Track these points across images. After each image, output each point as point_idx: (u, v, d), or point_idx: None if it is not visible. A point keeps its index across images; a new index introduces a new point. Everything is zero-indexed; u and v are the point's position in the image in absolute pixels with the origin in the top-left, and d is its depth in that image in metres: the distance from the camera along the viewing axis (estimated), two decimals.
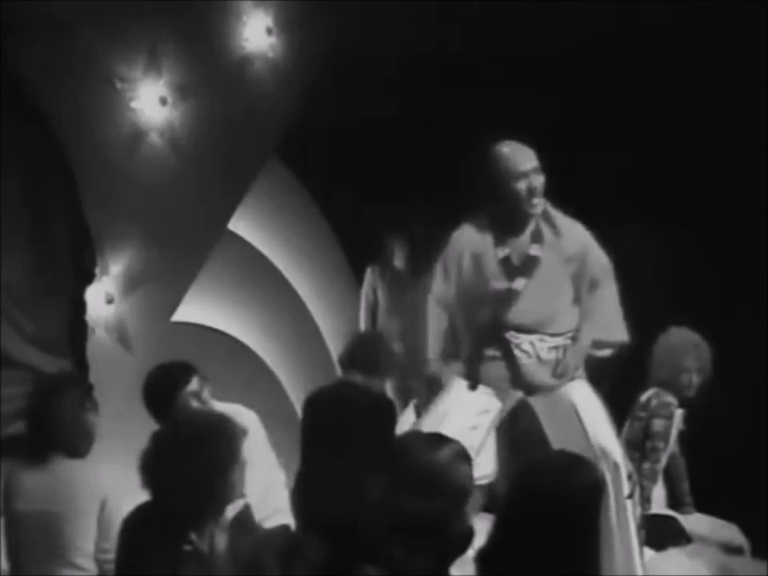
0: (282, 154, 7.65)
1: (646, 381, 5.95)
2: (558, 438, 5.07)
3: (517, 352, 5.11)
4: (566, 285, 5.17)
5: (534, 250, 5.12)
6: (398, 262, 7.84)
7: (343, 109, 7.30)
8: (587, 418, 5.07)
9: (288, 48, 7.24)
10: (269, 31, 7.19)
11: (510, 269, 5.12)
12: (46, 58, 6.42)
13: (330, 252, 8.28)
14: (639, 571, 4.92)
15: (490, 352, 5.16)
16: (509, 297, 5.09)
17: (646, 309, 6.80)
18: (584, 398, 5.13)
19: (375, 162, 7.53)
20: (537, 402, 5.20)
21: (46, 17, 6.34)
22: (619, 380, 6.25)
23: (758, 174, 6.93)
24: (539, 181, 5.06)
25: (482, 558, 3.23)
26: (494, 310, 5.10)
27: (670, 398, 5.81)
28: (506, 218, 5.14)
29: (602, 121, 7.02)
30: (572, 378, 5.15)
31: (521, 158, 5.06)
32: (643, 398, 5.89)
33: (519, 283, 5.10)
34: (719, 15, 6.70)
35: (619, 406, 5.91)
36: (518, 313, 5.09)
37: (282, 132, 7.37)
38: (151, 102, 6.81)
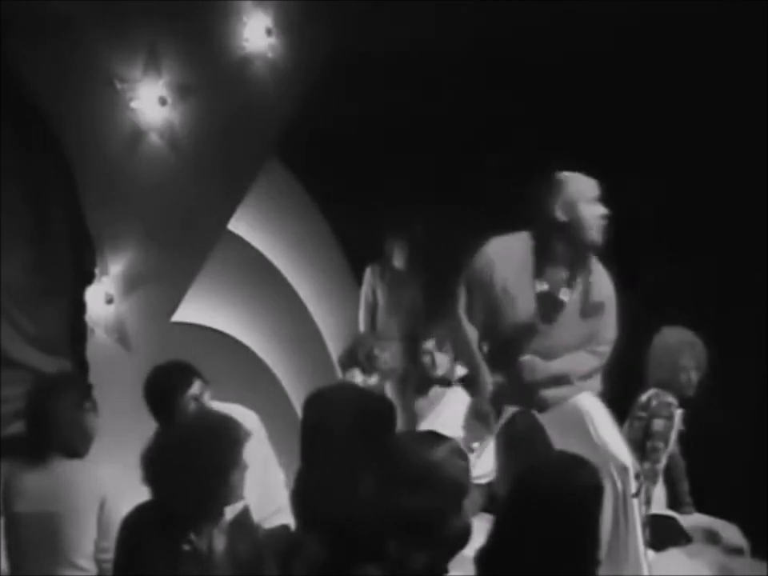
0: (281, 154, 7.66)
1: (644, 381, 5.96)
2: (566, 445, 5.02)
3: (527, 377, 5.09)
4: (583, 338, 5.12)
5: (563, 295, 5.05)
6: (398, 262, 7.84)
7: (343, 109, 7.30)
8: (595, 424, 5.07)
9: (288, 48, 7.24)
10: (269, 32, 7.19)
11: (544, 306, 5.05)
12: (46, 58, 6.42)
13: (330, 252, 8.28)
14: (645, 571, 4.93)
15: (499, 377, 5.14)
16: (531, 335, 5.05)
17: (644, 309, 6.83)
18: (592, 406, 5.13)
19: (375, 162, 7.53)
20: (546, 416, 5.20)
21: (46, 17, 6.34)
22: (618, 381, 6.28)
23: (758, 174, 6.93)
24: (603, 211, 4.99)
25: (482, 558, 3.24)
26: (513, 340, 5.07)
27: (671, 398, 5.82)
28: (558, 243, 5.03)
29: (602, 119, 7.03)
30: (580, 390, 5.15)
31: (591, 184, 5.00)
32: (643, 398, 5.89)
33: (543, 326, 5.05)
34: (719, 15, 6.71)
35: (619, 407, 5.92)
36: (533, 350, 5.07)
37: (282, 132, 7.37)
38: (151, 102, 6.82)
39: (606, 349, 5.15)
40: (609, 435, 5.04)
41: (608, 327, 5.15)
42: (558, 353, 5.06)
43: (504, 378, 5.13)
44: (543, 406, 5.15)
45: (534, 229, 5.06)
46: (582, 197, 4.96)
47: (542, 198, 5.00)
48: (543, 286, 5.04)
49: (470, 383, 5.63)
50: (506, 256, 5.06)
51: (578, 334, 5.09)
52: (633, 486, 4.92)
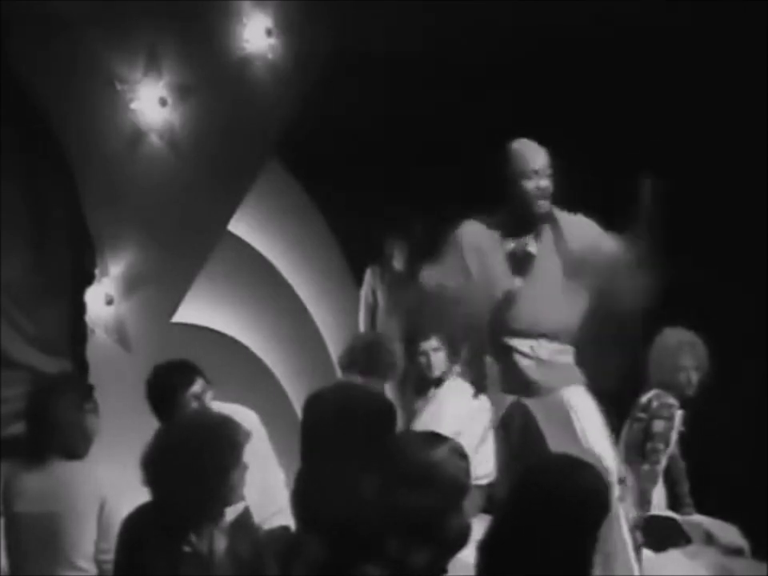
0: (281, 154, 7.65)
1: (644, 383, 5.96)
2: (554, 441, 5.06)
3: (516, 356, 5.09)
4: (561, 286, 5.09)
5: (531, 248, 5.09)
6: (398, 263, 7.83)
7: (343, 109, 7.30)
8: (582, 423, 5.05)
9: (288, 49, 7.24)
10: (268, 32, 7.19)
11: (514, 265, 5.09)
12: (46, 58, 6.43)
13: (330, 253, 8.28)
14: (636, 572, 4.93)
15: (489, 357, 5.16)
16: (507, 297, 5.06)
17: (644, 309, 6.82)
18: (580, 402, 5.10)
19: (375, 162, 7.53)
20: (534, 405, 5.17)
21: (47, 17, 6.35)
22: (618, 382, 6.27)
23: (758, 174, 6.93)
24: (547, 183, 5.04)
25: (483, 549, 3.23)
26: (493, 310, 5.08)
27: (671, 400, 5.82)
28: (513, 217, 5.11)
29: (600, 116, 7.03)
30: (572, 382, 5.14)
31: (532, 156, 5.05)
32: (643, 399, 5.89)
33: (516, 282, 5.09)
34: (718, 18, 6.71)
35: (619, 408, 5.92)
36: (513, 313, 5.07)
37: (282, 133, 7.37)
38: (151, 102, 6.82)
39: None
40: (595, 437, 5.01)
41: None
42: (540, 310, 5.05)
43: (493, 358, 5.14)
44: (532, 392, 5.12)
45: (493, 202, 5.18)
46: (524, 172, 5.02)
47: (497, 169, 5.11)
48: (510, 245, 5.09)
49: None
50: (473, 228, 5.15)
51: (556, 285, 5.08)
52: (617, 490, 4.90)
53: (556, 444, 4.97)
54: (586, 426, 5.03)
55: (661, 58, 7.04)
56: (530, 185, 5.02)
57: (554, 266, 5.09)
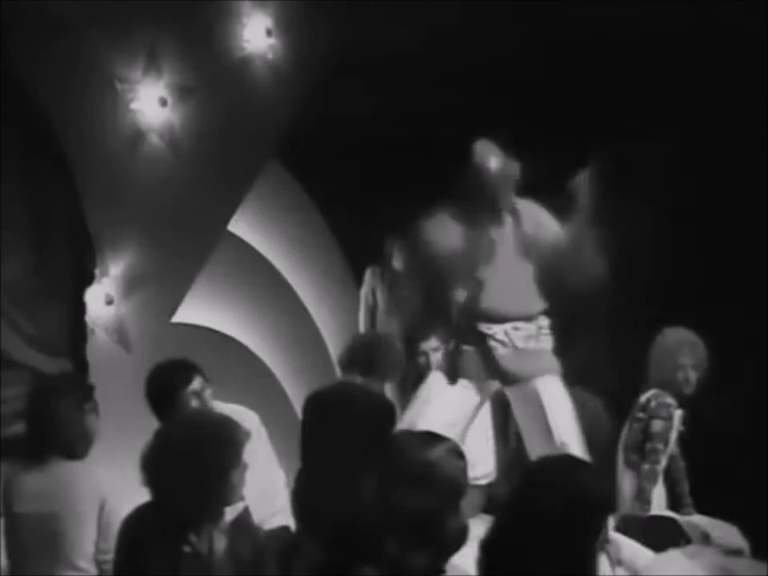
0: (281, 155, 7.65)
1: (644, 383, 5.96)
2: (525, 430, 5.24)
3: (492, 342, 5.19)
4: (525, 265, 5.24)
5: (493, 234, 5.21)
6: (398, 263, 7.83)
7: (343, 110, 7.30)
8: (557, 420, 5.16)
9: (288, 49, 7.25)
10: (269, 32, 7.19)
11: (479, 249, 5.20)
12: (46, 59, 6.43)
13: (330, 253, 8.28)
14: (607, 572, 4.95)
15: (466, 345, 5.23)
16: (476, 284, 5.17)
17: (644, 311, 6.83)
18: (553, 393, 5.21)
19: (375, 163, 7.53)
20: (511, 393, 5.31)
21: (47, 18, 6.35)
22: (618, 382, 6.28)
23: (758, 174, 6.93)
24: (510, 180, 5.19)
25: (484, 549, 3.23)
26: (464, 299, 5.17)
27: (669, 399, 5.82)
28: (476, 211, 5.22)
29: (602, 117, 7.03)
30: (546, 372, 5.22)
31: (492, 157, 5.20)
32: (642, 399, 5.89)
33: (485, 271, 5.17)
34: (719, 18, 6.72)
35: (619, 408, 5.93)
36: (484, 299, 5.17)
37: (282, 133, 7.37)
38: (151, 102, 6.82)
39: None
40: (565, 427, 5.13)
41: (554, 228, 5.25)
42: (509, 293, 5.15)
43: (472, 347, 5.21)
44: (509, 381, 5.24)
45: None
46: (482, 174, 5.17)
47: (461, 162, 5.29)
48: (473, 234, 5.19)
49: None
50: (441, 224, 5.27)
51: (520, 268, 5.20)
52: None
53: (528, 434, 5.18)
54: (557, 416, 5.15)
55: (659, 59, 7.04)
56: (492, 184, 5.17)
57: (516, 249, 5.23)
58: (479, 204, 5.21)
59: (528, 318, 5.22)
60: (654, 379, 5.91)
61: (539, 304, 5.25)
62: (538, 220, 5.26)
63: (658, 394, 5.84)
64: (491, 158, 5.19)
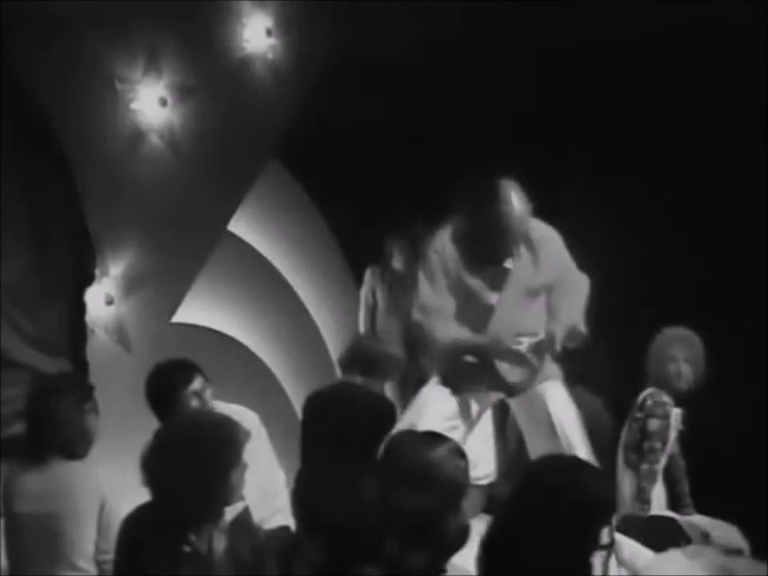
0: (281, 155, 7.65)
1: (643, 382, 5.97)
2: (530, 437, 5.23)
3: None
4: (537, 296, 5.22)
5: (508, 264, 5.17)
6: (398, 263, 7.83)
7: (343, 110, 7.30)
8: (558, 419, 5.16)
9: (288, 49, 7.25)
10: (269, 32, 7.19)
11: (490, 281, 5.17)
12: (46, 59, 6.43)
13: (330, 253, 8.28)
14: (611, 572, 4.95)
15: (468, 357, 5.20)
16: (485, 311, 5.15)
17: (644, 311, 6.83)
18: (557, 399, 5.22)
19: (375, 163, 7.53)
20: (514, 402, 5.31)
21: (47, 18, 6.35)
22: (618, 382, 6.28)
23: (758, 174, 6.93)
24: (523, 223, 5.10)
25: (484, 548, 3.23)
26: (471, 323, 5.15)
27: (666, 398, 5.82)
28: (487, 242, 5.16)
29: (605, 120, 7.03)
30: (547, 378, 5.22)
31: (514, 198, 5.08)
32: (639, 398, 5.90)
33: (493, 298, 5.16)
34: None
35: (619, 408, 5.93)
36: (492, 325, 5.15)
37: (282, 133, 7.37)
38: (151, 103, 6.82)
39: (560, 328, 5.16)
40: (570, 430, 5.14)
41: (576, 278, 5.24)
42: (518, 320, 5.14)
43: (470, 357, 5.20)
44: (509, 390, 5.23)
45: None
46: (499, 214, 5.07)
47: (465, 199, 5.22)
48: (489, 265, 5.17)
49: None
50: (448, 246, 5.20)
51: (531, 296, 5.18)
52: None
53: (533, 442, 5.16)
54: (563, 421, 5.15)
55: (660, 60, 7.05)
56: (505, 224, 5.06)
57: (529, 279, 5.19)
58: (495, 241, 5.13)
59: (531, 334, 5.19)
60: (651, 377, 5.92)
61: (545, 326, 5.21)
62: (554, 271, 5.21)
63: (654, 393, 5.84)
64: (513, 199, 5.06)
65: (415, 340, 6.35)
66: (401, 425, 5.21)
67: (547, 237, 5.22)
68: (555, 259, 5.23)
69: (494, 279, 5.17)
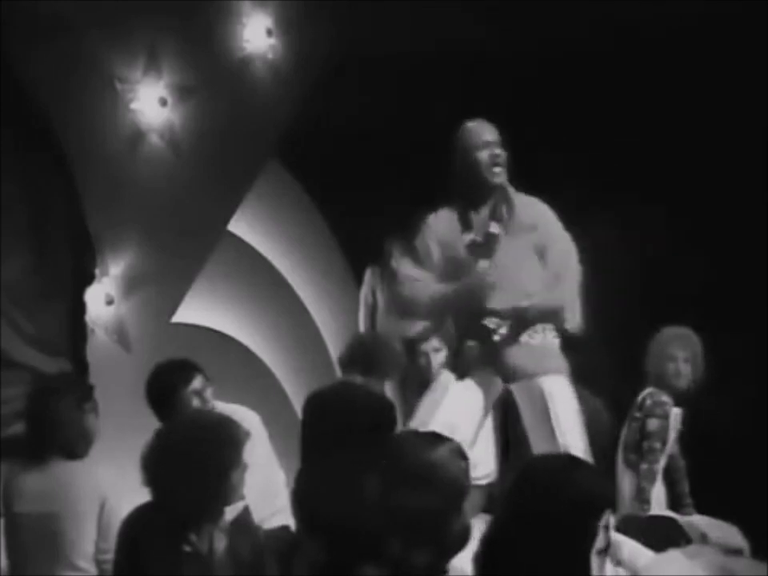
0: (281, 155, 7.65)
1: (643, 382, 5.97)
2: (529, 428, 5.19)
3: (497, 338, 5.16)
4: (528, 259, 5.22)
5: (493, 228, 5.19)
6: (398, 263, 7.83)
7: (343, 110, 7.29)
8: (556, 415, 5.13)
9: (288, 49, 7.25)
10: (269, 32, 7.20)
11: (476, 252, 5.19)
12: (46, 59, 6.44)
13: (330, 253, 8.28)
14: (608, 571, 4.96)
15: (472, 342, 5.21)
16: (477, 280, 5.16)
17: (644, 311, 6.83)
18: (558, 393, 5.18)
19: (375, 163, 7.53)
20: (516, 389, 5.26)
21: (47, 17, 6.35)
22: (618, 382, 6.28)
23: (758, 174, 6.93)
24: (500, 152, 5.19)
25: (482, 545, 3.23)
26: (468, 294, 5.16)
27: (665, 397, 5.82)
28: (469, 191, 5.24)
29: (607, 124, 7.03)
30: (552, 371, 5.20)
31: (483, 130, 5.26)
32: (639, 398, 5.90)
33: (483, 265, 5.16)
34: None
35: (619, 408, 5.93)
36: (487, 294, 5.15)
37: (282, 133, 7.37)
38: (151, 102, 6.83)
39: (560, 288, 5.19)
40: (568, 426, 5.12)
41: (558, 239, 5.25)
42: (511, 285, 5.14)
43: (477, 342, 5.20)
44: (514, 378, 5.20)
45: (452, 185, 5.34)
46: (476, 145, 5.22)
47: (451, 153, 5.33)
48: (470, 235, 5.22)
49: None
50: (440, 222, 5.32)
51: (522, 260, 5.18)
52: None
53: (532, 432, 5.12)
54: (561, 417, 5.12)
55: (660, 60, 7.05)
56: (483, 154, 5.20)
57: (517, 241, 5.20)
58: (471, 182, 5.22)
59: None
60: (650, 376, 5.92)
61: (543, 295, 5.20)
62: (540, 220, 5.24)
63: (653, 393, 5.84)
64: (487, 131, 5.23)
65: (403, 314, 6.35)
66: (416, 419, 5.22)
67: (530, 200, 5.28)
68: (533, 207, 5.26)
69: (482, 247, 5.18)
